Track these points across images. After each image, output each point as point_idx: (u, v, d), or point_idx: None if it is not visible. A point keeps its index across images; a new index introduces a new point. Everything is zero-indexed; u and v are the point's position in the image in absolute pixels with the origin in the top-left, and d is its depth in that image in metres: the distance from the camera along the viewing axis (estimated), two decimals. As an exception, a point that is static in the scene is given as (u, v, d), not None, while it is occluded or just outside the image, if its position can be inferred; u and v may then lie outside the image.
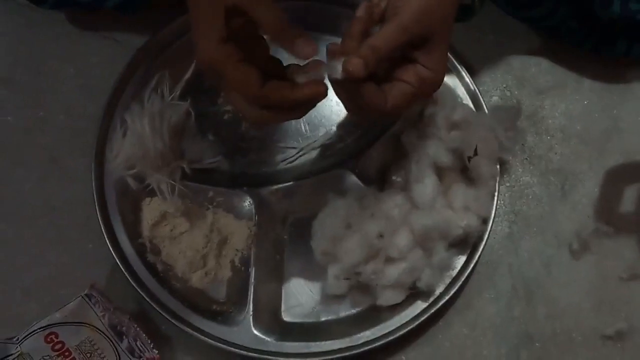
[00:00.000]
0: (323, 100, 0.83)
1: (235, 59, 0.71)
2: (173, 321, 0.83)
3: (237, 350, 0.82)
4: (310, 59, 0.72)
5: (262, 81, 0.71)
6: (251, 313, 0.84)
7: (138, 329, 0.83)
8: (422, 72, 0.74)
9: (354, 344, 0.83)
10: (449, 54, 0.90)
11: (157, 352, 0.82)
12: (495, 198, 0.88)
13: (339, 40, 0.75)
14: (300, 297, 0.87)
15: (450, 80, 0.93)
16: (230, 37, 0.71)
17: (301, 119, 0.92)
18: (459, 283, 0.86)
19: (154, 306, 0.83)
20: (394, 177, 0.88)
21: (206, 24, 0.71)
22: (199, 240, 0.86)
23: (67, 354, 0.81)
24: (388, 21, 0.73)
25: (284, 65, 0.75)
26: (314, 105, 0.75)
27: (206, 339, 0.83)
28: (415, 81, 0.74)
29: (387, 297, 0.84)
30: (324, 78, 0.72)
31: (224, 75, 0.72)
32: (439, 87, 0.76)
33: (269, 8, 0.71)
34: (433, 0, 0.74)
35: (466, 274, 0.86)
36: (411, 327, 0.84)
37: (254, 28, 0.72)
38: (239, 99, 0.73)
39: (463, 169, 0.87)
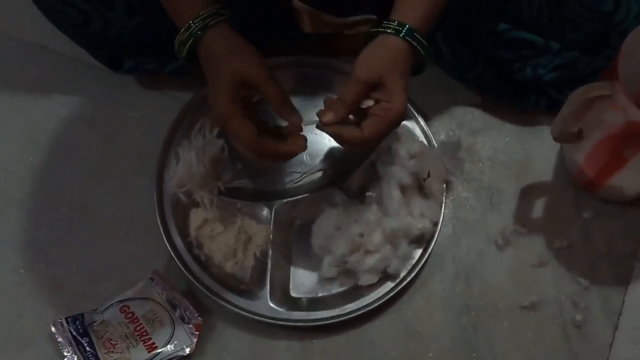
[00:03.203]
0: (319, 139, 0.87)
1: (239, 115, 0.73)
2: (212, 297, 0.83)
3: (257, 317, 0.82)
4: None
5: (256, 136, 0.74)
6: (268, 290, 0.84)
7: (187, 302, 0.83)
8: (385, 105, 0.74)
9: (342, 313, 0.83)
10: (410, 106, 0.92)
11: (200, 319, 0.82)
12: (443, 208, 0.88)
13: (332, 94, 0.78)
14: (303, 279, 0.87)
15: (410, 124, 0.93)
16: (236, 100, 0.73)
17: (303, 152, 0.89)
18: (417, 269, 0.86)
19: (198, 286, 0.83)
20: (370, 193, 0.88)
21: (221, 90, 0.73)
22: (230, 239, 0.86)
23: (136, 320, 0.83)
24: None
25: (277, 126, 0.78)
26: (295, 155, 0.77)
27: (235, 309, 0.82)
28: (381, 112, 0.74)
29: (366, 279, 0.85)
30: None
31: (228, 128, 0.74)
32: (402, 115, 0.75)
33: (275, 87, 0.75)
34: (373, 56, 0.75)
35: (422, 262, 0.86)
36: (383, 300, 0.84)
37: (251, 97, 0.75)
38: (240, 146, 0.75)
39: (420, 187, 0.88)
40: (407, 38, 0.75)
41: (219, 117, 0.74)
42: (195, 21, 0.74)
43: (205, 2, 0.74)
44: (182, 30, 0.75)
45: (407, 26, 0.75)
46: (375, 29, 0.77)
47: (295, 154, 0.77)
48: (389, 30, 0.75)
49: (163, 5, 0.77)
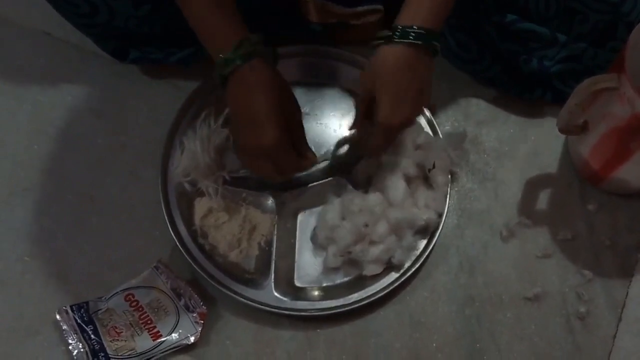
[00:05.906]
0: (325, 129, 0.90)
1: (288, 146, 0.75)
2: (216, 286, 0.83)
3: (262, 307, 0.82)
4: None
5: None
6: (273, 280, 0.84)
7: (192, 291, 0.83)
8: (375, 118, 0.77)
9: (346, 303, 0.83)
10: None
11: (205, 308, 0.82)
12: (448, 199, 0.88)
13: (338, 85, 0.83)
14: (308, 269, 0.86)
15: (415, 115, 0.93)
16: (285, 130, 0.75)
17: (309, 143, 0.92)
18: (422, 259, 0.85)
19: (203, 275, 0.83)
20: (375, 183, 0.88)
21: (268, 120, 0.72)
22: (235, 228, 0.86)
23: (140, 309, 0.83)
24: None
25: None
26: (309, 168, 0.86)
27: (240, 298, 0.82)
28: (373, 127, 0.78)
29: (370, 269, 0.85)
30: None
31: (275, 159, 0.75)
32: (389, 123, 0.76)
33: (303, 128, 0.81)
34: (368, 72, 0.76)
35: (427, 253, 0.86)
36: (387, 291, 0.84)
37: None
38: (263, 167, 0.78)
39: (425, 178, 0.88)
40: (403, 40, 0.74)
41: (267, 149, 0.74)
42: (236, 51, 0.72)
43: (237, 27, 0.73)
44: (219, 61, 0.73)
45: (405, 30, 0.74)
46: (373, 42, 0.76)
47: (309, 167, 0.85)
48: (382, 41, 0.75)
49: (190, 24, 0.75)
